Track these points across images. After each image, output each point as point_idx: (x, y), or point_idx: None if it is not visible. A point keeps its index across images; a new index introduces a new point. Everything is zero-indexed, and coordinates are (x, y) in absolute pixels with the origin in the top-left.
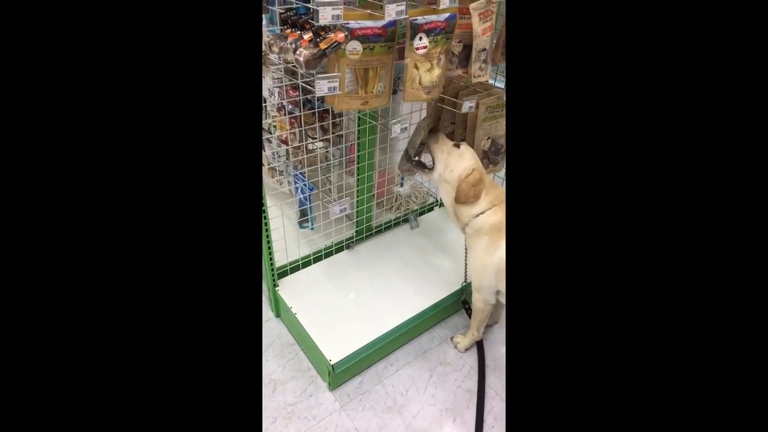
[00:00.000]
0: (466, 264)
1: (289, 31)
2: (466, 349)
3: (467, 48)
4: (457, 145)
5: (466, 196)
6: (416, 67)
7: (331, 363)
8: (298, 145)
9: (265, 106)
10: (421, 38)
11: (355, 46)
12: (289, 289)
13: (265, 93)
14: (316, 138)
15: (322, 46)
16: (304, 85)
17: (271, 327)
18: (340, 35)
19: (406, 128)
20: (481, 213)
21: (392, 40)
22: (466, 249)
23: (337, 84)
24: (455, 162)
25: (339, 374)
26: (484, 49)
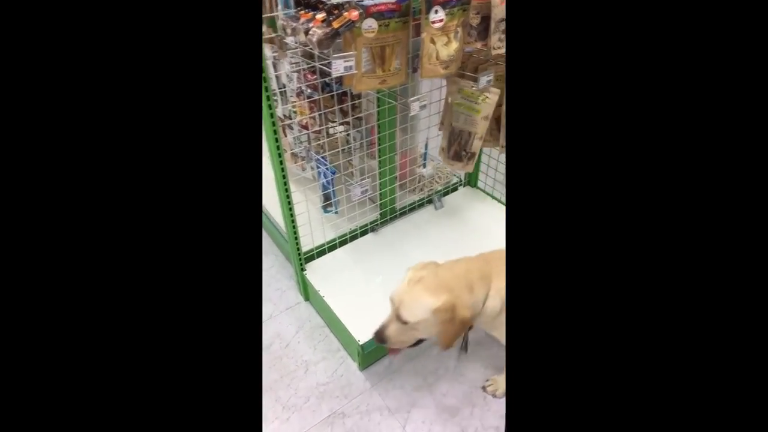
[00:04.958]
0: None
1: (302, 11)
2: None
3: (486, 19)
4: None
5: (447, 340)
6: (433, 41)
7: (361, 343)
8: (319, 129)
9: (284, 91)
10: (437, 11)
11: (370, 23)
12: (317, 273)
13: (283, 79)
14: (336, 121)
15: (335, 25)
16: (321, 67)
17: (300, 310)
18: (354, 13)
19: (425, 105)
20: (486, 299)
21: (407, 15)
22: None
23: (353, 63)
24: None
25: (368, 354)
26: (503, 19)
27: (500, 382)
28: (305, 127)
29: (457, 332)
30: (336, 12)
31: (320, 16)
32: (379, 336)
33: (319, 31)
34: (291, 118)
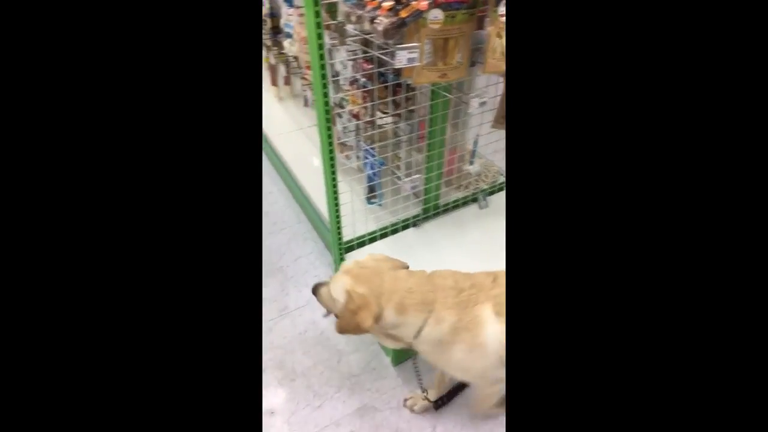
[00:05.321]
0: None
1: None
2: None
3: None
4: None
5: (344, 327)
6: (500, 35)
7: None
8: (370, 119)
9: (338, 79)
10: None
11: (436, 14)
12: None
13: (337, 66)
14: (387, 113)
15: (403, 14)
16: (379, 57)
17: None
18: (423, 3)
19: (485, 102)
20: (421, 328)
21: (475, 7)
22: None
23: (417, 55)
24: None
25: (402, 350)
26: None
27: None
28: (356, 117)
29: (348, 326)
30: (404, 1)
31: (387, 4)
32: (315, 288)
33: (386, 20)
34: (342, 107)
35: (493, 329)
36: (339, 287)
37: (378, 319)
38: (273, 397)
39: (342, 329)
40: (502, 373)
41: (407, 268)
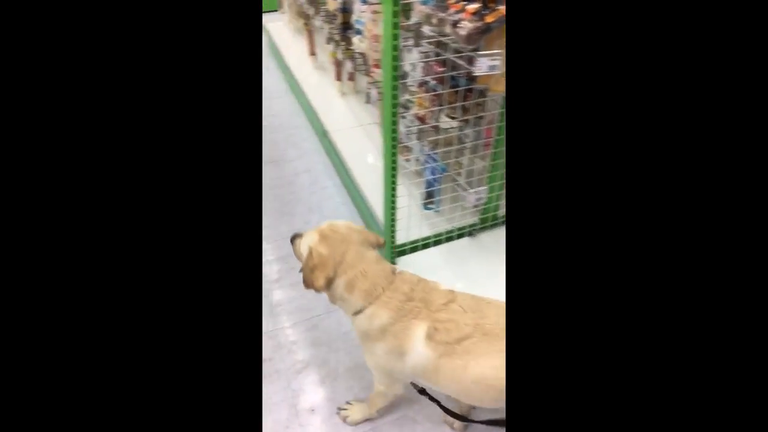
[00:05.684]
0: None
1: (451, 1)
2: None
3: None
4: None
5: (304, 281)
6: None
7: None
8: (436, 123)
9: (405, 81)
10: None
11: None
12: (407, 269)
13: (407, 67)
14: (455, 117)
15: (489, 19)
16: (454, 60)
17: None
18: None
19: None
20: (359, 312)
21: None
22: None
23: (498, 62)
24: (303, 249)
25: None
26: None
27: (354, 411)
28: (421, 120)
29: (307, 282)
30: (491, 5)
31: (472, 7)
32: (292, 238)
33: (470, 25)
34: (406, 108)
35: (416, 347)
36: (306, 242)
37: (329, 283)
38: (314, 394)
39: (305, 283)
40: (397, 384)
41: (381, 246)
